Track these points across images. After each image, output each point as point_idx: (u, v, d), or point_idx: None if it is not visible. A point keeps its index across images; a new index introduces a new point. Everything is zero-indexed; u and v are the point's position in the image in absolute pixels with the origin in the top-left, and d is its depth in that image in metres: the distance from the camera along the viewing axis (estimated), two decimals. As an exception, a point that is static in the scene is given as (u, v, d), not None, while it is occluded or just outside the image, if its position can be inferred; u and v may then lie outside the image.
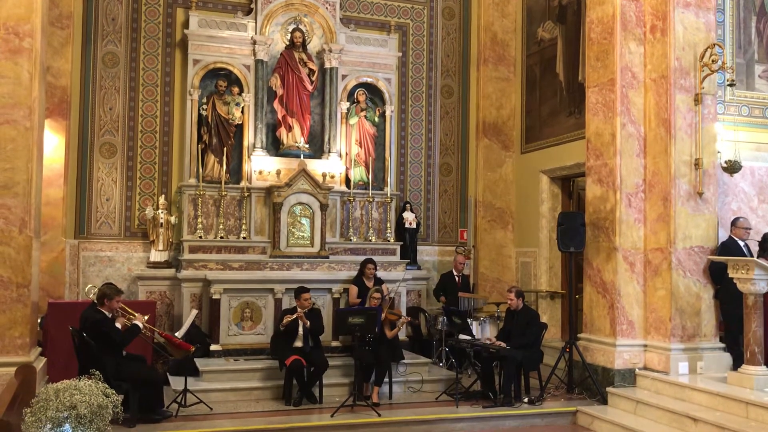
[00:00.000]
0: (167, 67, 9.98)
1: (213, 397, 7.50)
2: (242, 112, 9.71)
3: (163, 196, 9.68)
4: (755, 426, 6.07)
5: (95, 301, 6.79)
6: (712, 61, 7.61)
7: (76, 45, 9.50)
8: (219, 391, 7.71)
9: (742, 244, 7.65)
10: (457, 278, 9.98)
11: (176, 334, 7.61)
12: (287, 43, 9.99)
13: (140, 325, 6.83)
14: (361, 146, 10.29)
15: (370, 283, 8.81)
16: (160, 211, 9.48)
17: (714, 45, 7.68)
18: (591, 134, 8.37)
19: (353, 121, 10.28)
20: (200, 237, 9.26)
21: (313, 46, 10.17)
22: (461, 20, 11.49)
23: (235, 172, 9.71)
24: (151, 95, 9.90)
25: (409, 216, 10.54)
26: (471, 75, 11.42)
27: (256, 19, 9.81)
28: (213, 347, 8.62)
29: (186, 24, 9.73)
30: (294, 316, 7.77)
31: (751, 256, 7.36)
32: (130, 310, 7.05)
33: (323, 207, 9.54)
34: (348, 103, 10.23)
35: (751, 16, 8.53)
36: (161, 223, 9.43)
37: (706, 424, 6.39)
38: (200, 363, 8.13)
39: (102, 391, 4.36)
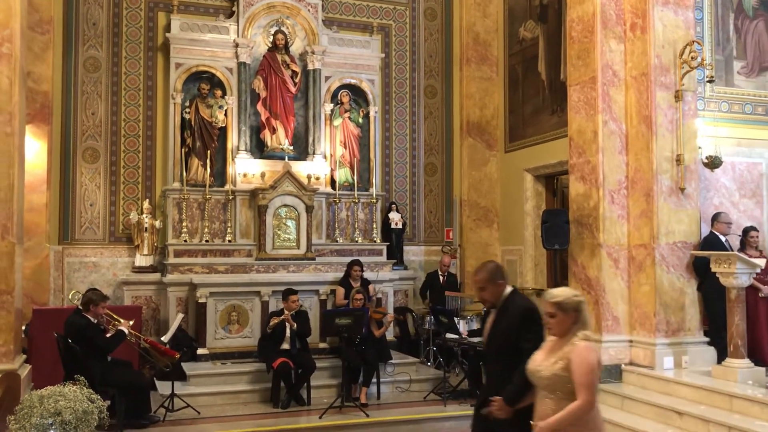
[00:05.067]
0: (149, 71, 9.94)
1: (200, 401, 7.49)
2: (225, 114, 9.69)
3: (148, 200, 9.64)
4: (739, 418, 6.12)
5: (80, 307, 6.76)
6: (692, 58, 7.67)
7: (57, 50, 9.44)
8: (206, 395, 7.70)
9: (723, 238, 7.72)
10: (442, 278, 10.01)
11: (162, 338, 7.59)
12: (270, 45, 9.98)
13: (126, 330, 6.80)
14: (345, 147, 10.29)
15: (356, 285, 8.82)
16: (144, 215, 9.45)
17: (693, 42, 7.74)
18: (573, 132, 8.42)
19: (337, 122, 10.28)
20: (185, 241, 9.23)
21: (296, 48, 10.17)
22: (443, 21, 11.53)
23: (220, 175, 9.68)
24: (133, 99, 9.86)
25: (395, 216, 10.56)
26: (454, 75, 11.46)
27: (238, 22, 9.80)
28: (200, 351, 8.59)
29: (168, 28, 9.70)
30: (281, 318, 7.77)
31: (732, 250, 7.44)
32: (115, 316, 7.03)
33: (309, 209, 9.54)
34: (332, 105, 10.23)
35: (729, 13, 8.62)
36: (146, 228, 9.40)
37: (692, 418, 6.44)
38: (187, 367, 8.11)
39: (87, 396, 4.34)
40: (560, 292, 3.52)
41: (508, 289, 4.18)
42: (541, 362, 3.52)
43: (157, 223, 9.49)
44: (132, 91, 9.87)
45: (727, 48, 8.57)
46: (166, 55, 9.72)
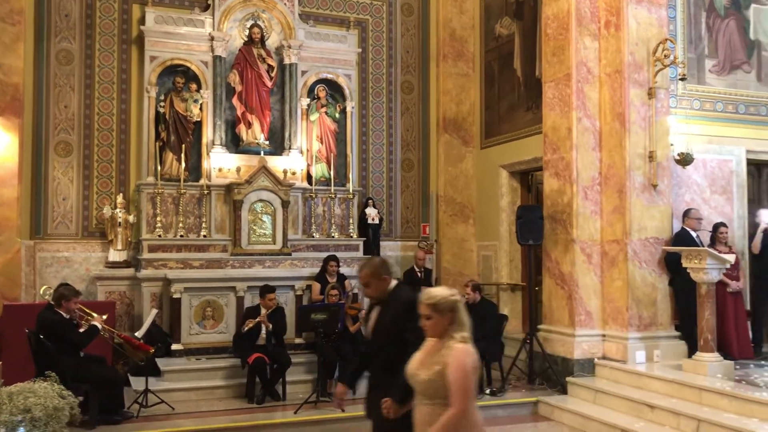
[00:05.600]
0: (123, 64, 9.82)
1: (175, 396, 7.44)
2: (201, 108, 9.62)
3: (121, 194, 9.54)
4: (708, 411, 6.24)
5: (52, 302, 6.68)
6: (665, 55, 7.77)
7: (29, 41, 9.28)
8: (181, 391, 7.65)
9: (694, 234, 7.85)
10: (419, 273, 10.04)
11: (136, 334, 7.52)
12: (245, 39, 9.92)
13: (99, 326, 6.73)
14: (322, 142, 10.27)
15: (332, 280, 8.81)
16: (118, 210, 9.35)
17: (666, 40, 7.83)
18: (548, 129, 8.49)
19: (314, 117, 10.26)
20: (159, 236, 9.16)
21: (272, 42, 10.12)
22: (420, 16, 11.54)
23: (194, 170, 9.61)
24: (107, 93, 9.74)
25: (371, 212, 10.56)
26: (431, 71, 11.48)
27: (213, 15, 9.72)
28: (174, 346, 8.53)
29: (142, 20, 9.59)
30: (256, 320, 7.74)
31: (703, 246, 7.55)
32: (88, 311, 6.95)
33: (285, 204, 9.51)
34: (308, 99, 10.20)
35: (702, 12, 8.74)
36: (119, 222, 9.31)
37: (663, 411, 6.55)
38: (161, 363, 8.05)
39: (58, 393, 4.29)
40: (436, 293, 3.38)
41: (393, 282, 4.15)
42: (418, 365, 3.37)
43: (131, 218, 9.40)
44: (106, 85, 9.75)
45: (699, 46, 8.69)
46: (141, 48, 9.62)
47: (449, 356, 3.22)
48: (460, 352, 3.22)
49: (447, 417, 3.16)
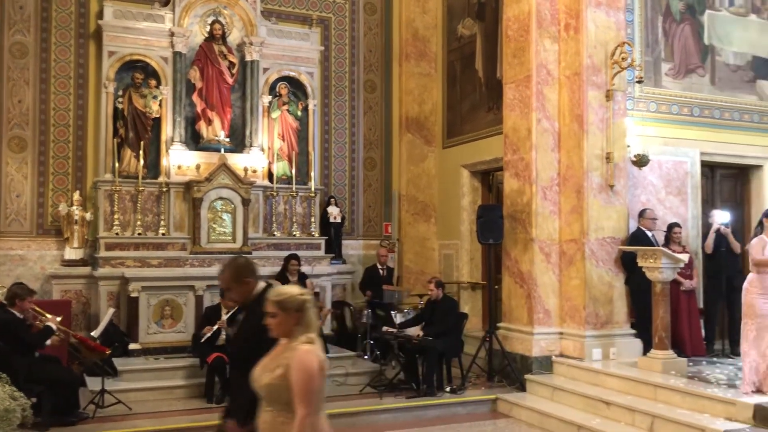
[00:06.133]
0: (81, 59, 9.64)
1: (132, 396, 7.33)
2: (160, 105, 9.49)
3: (78, 191, 9.36)
4: (662, 407, 6.37)
5: (5, 301, 6.51)
6: (622, 58, 7.90)
7: (-19, 34, 9.06)
8: (139, 391, 7.54)
9: (650, 234, 8.00)
10: (381, 271, 10.06)
11: (93, 333, 7.39)
12: (206, 35, 9.82)
13: (53, 326, 6.59)
14: (283, 140, 10.22)
15: (294, 279, 8.76)
16: (74, 207, 9.17)
17: (624, 43, 7.97)
18: (508, 129, 8.57)
19: (275, 114, 10.19)
20: (117, 234, 9.02)
21: (234, 38, 10.02)
22: (383, 15, 11.55)
23: (153, 167, 9.48)
24: (63, 88, 9.55)
25: (333, 210, 10.54)
26: (393, 70, 11.50)
27: (174, 11, 9.59)
28: (132, 346, 8.41)
29: (100, 14, 9.42)
30: (215, 327, 7.64)
31: (658, 246, 7.71)
32: (42, 311, 6.80)
33: (245, 202, 9.44)
34: (270, 97, 10.13)
35: (658, 17, 8.91)
36: (76, 220, 9.13)
37: (618, 407, 6.67)
38: (119, 363, 7.93)
39: (9, 394, 4.21)
40: (285, 290, 3.19)
41: (261, 285, 3.74)
42: (261, 369, 3.12)
43: (88, 216, 9.22)
44: (62, 79, 9.55)
45: (656, 50, 8.86)
46: (99, 43, 9.44)
47: (292, 358, 3.00)
48: (304, 353, 3.00)
49: (296, 424, 2.91)
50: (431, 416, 7.42)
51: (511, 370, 8.04)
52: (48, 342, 6.55)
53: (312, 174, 10.26)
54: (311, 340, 3.07)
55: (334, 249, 10.36)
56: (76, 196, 9.27)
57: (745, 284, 6.36)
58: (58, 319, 6.77)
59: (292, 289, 3.18)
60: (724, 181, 9.52)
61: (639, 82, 8.14)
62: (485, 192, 10.44)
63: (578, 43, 8.02)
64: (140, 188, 9.14)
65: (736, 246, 8.20)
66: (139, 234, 9.11)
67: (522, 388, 7.88)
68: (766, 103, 9.46)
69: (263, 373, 3.08)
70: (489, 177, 10.37)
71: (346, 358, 8.77)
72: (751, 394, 6.04)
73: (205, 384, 7.56)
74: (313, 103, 10.43)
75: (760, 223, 6.49)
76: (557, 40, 8.31)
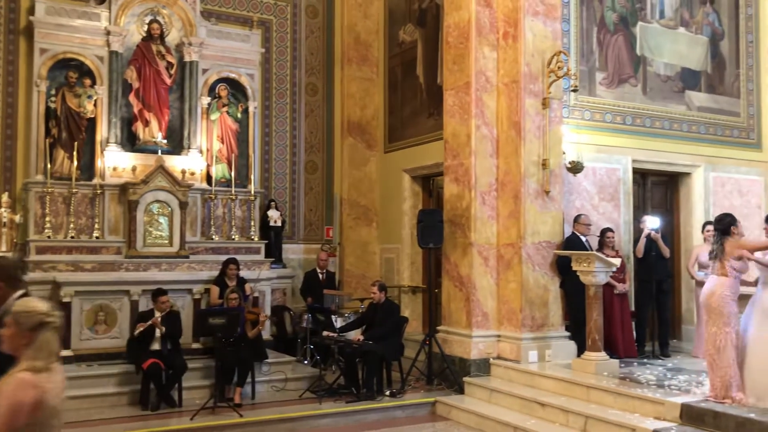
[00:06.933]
0: (10, 56, 9.31)
1: (64, 405, 7.09)
2: (95, 105, 9.23)
3: (7, 193, 9.01)
4: (595, 408, 6.55)
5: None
6: (558, 67, 8.09)
7: None
8: (71, 399, 7.26)
9: (584, 239, 8.22)
10: (321, 275, 10.03)
11: (21, 341, 7.13)
12: (144, 34, 9.60)
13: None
14: (223, 142, 10.08)
15: (232, 284, 8.65)
16: (3, 209, 8.83)
17: (560, 52, 8.16)
18: (448, 135, 8.67)
19: (215, 116, 10.05)
20: (48, 237, 8.73)
21: (172, 38, 9.84)
22: (325, 19, 11.53)
23: (87, 168, 9.21)
24: (-9, 85, 9.21)
25: (273, 214, 10.46)
26: (335, 74, 11.50)
27: (110, 9, 9.34)
28: (64, 353, 8.12)
29: (31, 10, 9.10)
30: (148, 323, 7.52)
31: (592, 250, 7.92)
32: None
33: (183, 205, 9.26)
34: (209, 98, 9.98)
35: (593, 27, 9.18)
36: (5, 223, 8.79)
37: (553, 408, 6.82)
38: (49, 370, 7.66)
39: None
40: (28, 304, 2.83)
41: (18, 293, 3.54)
42: None
43: (17, 218, 8.90)
44: (-10, 76, 9.22)
45: (591, 60, 9.11)
46: (30, 40, 9.12)
47: (4, 386, 2.65)
48: (16, 384, 2.63)
49: None
50: (371, 420, 7.44)
51: (450, 373, 8.12)
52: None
53: (252, 177, 10.14)
54: (35, 368, 2.70)
55: (274, 253, 10.27)
56: (5, 197, 8.92)
57: (716, 288, 5.87)
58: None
59: (38, 305, 2.82)
60: (655, 187, 9.87)
61: (574, 90, 8.33)
62: (426, 196, 10.54)
63: (516, 52, 8.18)
64: (74, 190, 8.87)
65: (666, 250, 8.49)
66: (72, 237, 8.84)
67: (461, 390, 7.97)
68: (695, 112, 9.86)
69: None
70: (430, 182, 10.47)
71: (285, 363, 8.70)
72: (721, 399, 5.82)
73: (141, 391, 7.40)
74: (253, 106, 10.32)
75: (724, 231, 5.91)
76: (496, 47, 8.45)
